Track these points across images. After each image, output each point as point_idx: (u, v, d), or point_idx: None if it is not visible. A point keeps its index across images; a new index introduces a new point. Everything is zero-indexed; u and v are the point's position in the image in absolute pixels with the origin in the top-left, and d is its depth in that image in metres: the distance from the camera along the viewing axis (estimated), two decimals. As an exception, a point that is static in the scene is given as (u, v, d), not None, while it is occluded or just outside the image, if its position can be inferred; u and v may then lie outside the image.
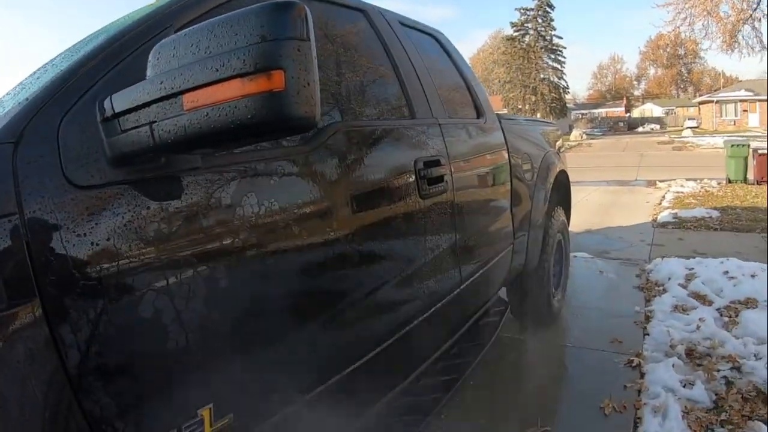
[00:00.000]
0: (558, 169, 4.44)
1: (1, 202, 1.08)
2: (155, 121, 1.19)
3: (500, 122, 3.63)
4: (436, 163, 2.53)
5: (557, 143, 5.07)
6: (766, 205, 9.86)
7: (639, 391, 3.39)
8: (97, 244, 1.20)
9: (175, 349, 1.34)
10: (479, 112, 3.49)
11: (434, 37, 3.45)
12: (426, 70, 2.89)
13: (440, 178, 2.53)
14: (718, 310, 4.65)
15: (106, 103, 1.27)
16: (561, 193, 4.83)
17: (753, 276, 5.32)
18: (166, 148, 1.21)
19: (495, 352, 3.95)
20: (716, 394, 3.28)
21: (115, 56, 1.42)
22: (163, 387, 1.33)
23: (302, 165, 1.79)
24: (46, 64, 1.97)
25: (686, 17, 17.34)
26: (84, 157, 1.24)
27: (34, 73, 1.96)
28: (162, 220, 1.34)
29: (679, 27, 17.99)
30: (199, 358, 1.41)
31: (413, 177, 2.34)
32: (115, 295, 1.23)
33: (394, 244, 2.25)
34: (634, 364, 3.73)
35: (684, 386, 3.38)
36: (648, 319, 4.57)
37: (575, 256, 6.69)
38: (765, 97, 50.93)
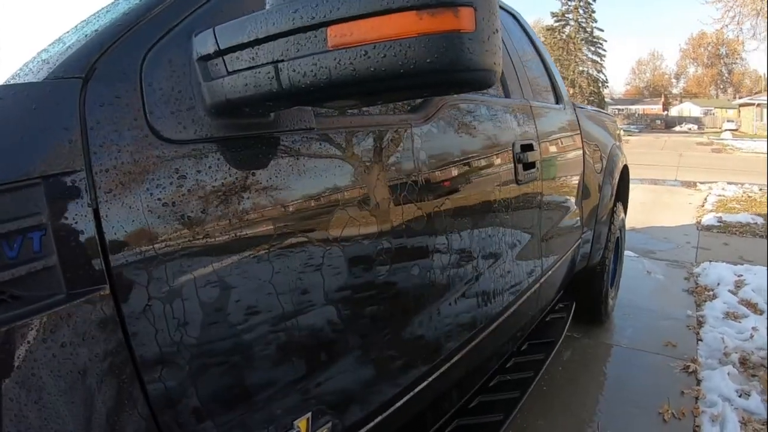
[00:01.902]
0: (623, 163, 4.34)
1: (62, 154, 0.83)
2: (282, 60, 0.91)
3: (575, 109, 3.54)
4: (530, 147, 2.45)
5: (619, 135, 4.98)
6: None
7: (696, 398, 3.31)
8: (188, 217, 0.98)
9: (270, 350, 1.15)
10: (558, 97, 3.39)
11: (513, 15, 3.30)
12: (514, 48, 2.79)
13: (533, 164, 2.45)
14: (770, 319, 4.54)
15: (207, 37, 1.01)
16: (622, 188, 4.71)
17: (801, 287, 5.20)
18: (298, 96, 0.94)
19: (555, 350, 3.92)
20: (772, 407, 3.20)
21: None
22: (253, 395, 1.12)
23: (411, 136, 1.62)
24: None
25: (735, 15, 16.94)
26: (175, 102, 1.00)
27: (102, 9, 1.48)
28: (266, 190, 1.12)
29: (727, 25, 17.55)
30: (297, 360, 1.22)
31: (511, 160, 2.25)
32: (204, 281, 1.00)
33: (489, 233, 2.11)
34: (690, 370, 3.64)
35: (740, 396, 3.30)
36: (700, 324, 4.47)
37: (621, 255, 6.59)
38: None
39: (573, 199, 3.31)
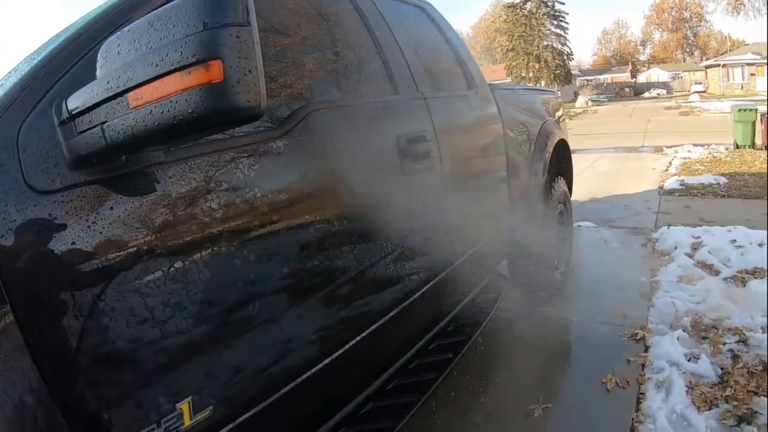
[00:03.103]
0: (557, 138, 4.31)
1: None
2: (106, 122, 1.17)
3: (493, 93, 3.51)
4: (421, 138, 2.45)
5: (558, 111, 4.93)
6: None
7: (643, 366, 3.31)
8: (62, 248, 1.20)
9: (150, 344, 1.34)
10: (470, 84, 3.37)
11: (421, 8, 3.33)
12: (411, 43, 2.79)
13: (426, 154, 2.45)
14: (725, 280, 4.56)
15: (63, 106, 1.26)
16: (561, 162, 4.68)
17: (761, 245, 5.19)
18: (118, 148, 1.20)
19: (496, 328, 3.87)
20: (722, 369, 3.19)
21: (72, 57, 1.40)
22: (138, 383, 1.33)
23: (273, 151, 1.73)
24: (11, 70, 1.93)
25: (691, -22, 16.95)
26: (44, 161, 1.24)
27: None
28: (126, 218, 1.32)
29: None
30: (176, 352, 1.40)
31: (395, 155, 2.26)
32: (83, 295, 1.22)
33: (377, 224, 2.14)
34: (638, 338, 3.63)
35: (689, 360, 3.30)
36: (653, 290, 4.47)
37: (579, 226, 6.58)
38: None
39: (496, 180, 3.31)
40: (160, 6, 1.46)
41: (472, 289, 3.13)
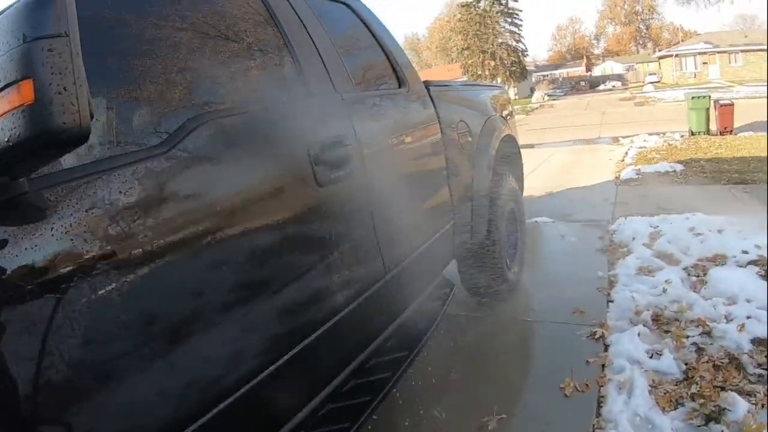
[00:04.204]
0: (503, 135, 4.14)
1: None
2: None
3: (428, 90, 3.33)
4: (339, 144, 2.24)
5: (506, 107, 4.78)
6: (737, 155, 9.77)
7: (603, 366, 3.17)
8: None
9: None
10: (401, 82, 3.18)
11: (345, 3, 3.12)
12: (329, 40, 2.58)
13: (345, 161, 2.25)
14: (685, 269, 4.44)
15: None
16: (510, 159, 4.51)
17: (720, 231, 5.12)
18: None
19: (449, 333, 3.72)
20: (686, 364, 3.06)
21: None
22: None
23: (156, 171, 1.48)
24: None
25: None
26: None
27: None
28: None
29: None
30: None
31: (307, 165, 2.04)
32: None
33: (289, 243, 1.96)
34: (597, 336, 3.49)
35: (651, 357, 3.17)
36: (612, 284, 4.34)
37: (536, 222, 6.50)
38: (723, 49, 51.64)
39: (434, 182, 3.14)
40: None
41: (415, 298, 2.93)
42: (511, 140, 4.48)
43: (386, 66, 3.17)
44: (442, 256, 3.30)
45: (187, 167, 1.57)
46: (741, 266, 4.32)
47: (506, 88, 5.70)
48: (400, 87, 3.14)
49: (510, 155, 4.51)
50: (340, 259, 2.18)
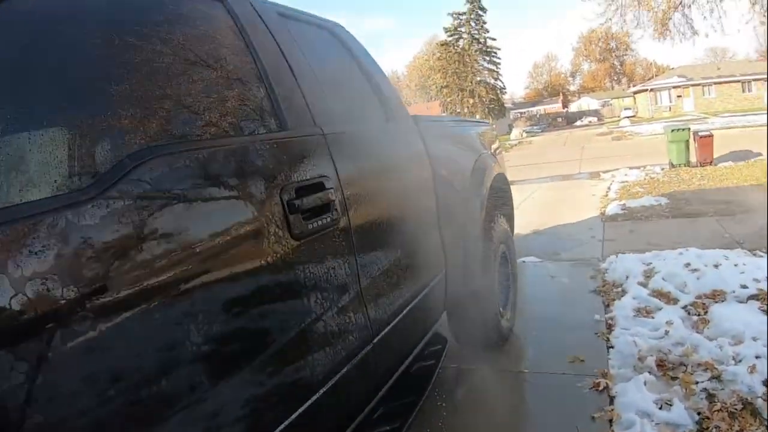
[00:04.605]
0: (495, 173, 3.93)
1: None
2: None
3: (418, 125, 3.12)
4: (318, 187, 1.96)
5: (494, 143, 4.59)
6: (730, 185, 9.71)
7: (610, 422, 2.91)
8: None
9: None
10: (388, 116, 2.96)
11: (329, 30, 2.90)
12: (310, 69, 2.32)
13: (326, 207, 1.96)
14: (684, 308, 4.25)
15: None
16: (500, 198, 4.29)
17: (716, 266, 4.93)
18: None
19: (440, 388, 3.46)
20: (698, 413, 2.85)
21: None
22: None
23: (86, 218, 1.20)
24: None
25: (617, 8, 17.27)
26: None
27: None
28: None
29: (610, 19, 17.91)
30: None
31: (280, 211, 1.75)
32: None
33: (256, 308, 1.67)
34: (600, 387, 3.23)
35: (660, 407, 2.94)
36: (610, 328, 4.11)
37: (524, 261, 6.27)
38: (697, 82, 52.67)
39: (423, 227, 2.89)
40: None
41: (403, 360, 2.67)
42: (502, 178, 4.29)
43: (372, 98, 2.94)
44: (434, 309, 3.04)
45: (124, 215, 1.28)
46: (741, 302, 4.17)
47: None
48: (388, 121, 2.92)
49: (501, 194, 4.31)
50: (323, 321, 1.91)
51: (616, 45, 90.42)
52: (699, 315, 4.05)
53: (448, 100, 58.74)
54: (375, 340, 2.22)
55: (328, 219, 1.96)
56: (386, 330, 2.32)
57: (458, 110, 57.50)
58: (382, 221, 2.45)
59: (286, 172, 1.86)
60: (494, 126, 5.33)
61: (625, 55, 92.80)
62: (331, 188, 2.01)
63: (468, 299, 3.47)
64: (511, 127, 60.03)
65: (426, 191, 2.96)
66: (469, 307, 3.55)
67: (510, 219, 4.59)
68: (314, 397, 1.81)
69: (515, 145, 37.85)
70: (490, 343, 3.86)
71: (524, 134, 50.51)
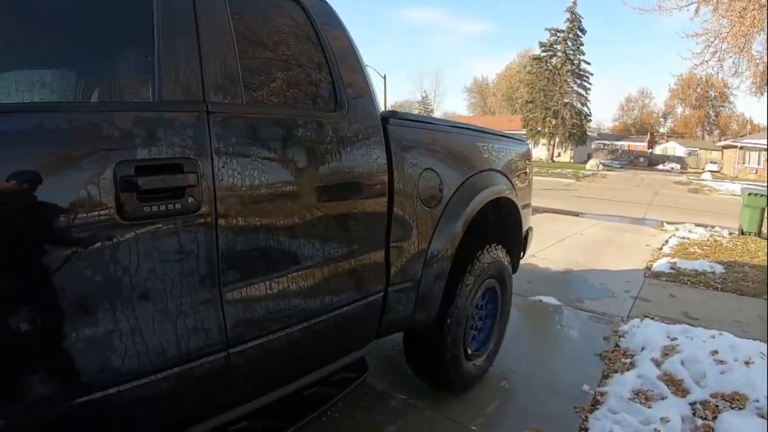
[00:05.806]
0: (494, 196, 3.35)
1: None
2: None
3: (385, 123, 2.63)
4: (173, 168, 1.70)
5: (520, 164, 3.97)
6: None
7: None
8: None
9: None
10: (339, 103, 2.46)
11: (298, 3, 2.44)
12: (231, 39, 1.99)
13: (179, 191, 1.70)
14: (692, 405, 3.52)
15: None
16: (506, 226, 3.75)
17: (748, 363, 4.13)
18: None
19: (371, 413, 3.07)
20: None
21: None
22: None
23: None
24: None
25: (716, 51, 16.12)
26: None
27: None
28: None
29: (707, 61, 16.79)
30: None
31: (111, 189, 1.55)
32: None
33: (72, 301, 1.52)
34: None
35: None
36: (595, 405, 3.47)
37: (540, 300, 5.69)
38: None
39: (359, 239, 2.43)
40: None
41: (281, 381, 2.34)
42: (509, 204, 3.69)
43: (326, 82, 2.48)
44: (353, 335, 2.62)
45: None
46: (762, 416, 3.40)
47: (530, 143, 4.90)
48: (338, 109, 2.43)
49: (508, 222, 3.74)
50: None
51: (714, 94, 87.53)
52: (705, 419, 3.35)
53: (531, 116, 57.71)
54: (231, 350, 1.96)
55: (178, 205, 1.68)
56: (252, 343, 2.04)
57: (538, 129, 56.62)
58: (275, 223, 2.06)
59: (137, 148, 1.63)
60: (528, 145, 4.62)
61: (722, 106, 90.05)
62: (193, 173, 1.73)
63: (423, 332, 3.06)
64: (589, 156, 58.75)
65: (373, 203, 2.50)
66: (423, 341, 3.14)
67: (513, 252, 3.98)
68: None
69: (588, 175, 36.80)
70: (451, 386, 3.40)
71: (600, 166, 49.21)
